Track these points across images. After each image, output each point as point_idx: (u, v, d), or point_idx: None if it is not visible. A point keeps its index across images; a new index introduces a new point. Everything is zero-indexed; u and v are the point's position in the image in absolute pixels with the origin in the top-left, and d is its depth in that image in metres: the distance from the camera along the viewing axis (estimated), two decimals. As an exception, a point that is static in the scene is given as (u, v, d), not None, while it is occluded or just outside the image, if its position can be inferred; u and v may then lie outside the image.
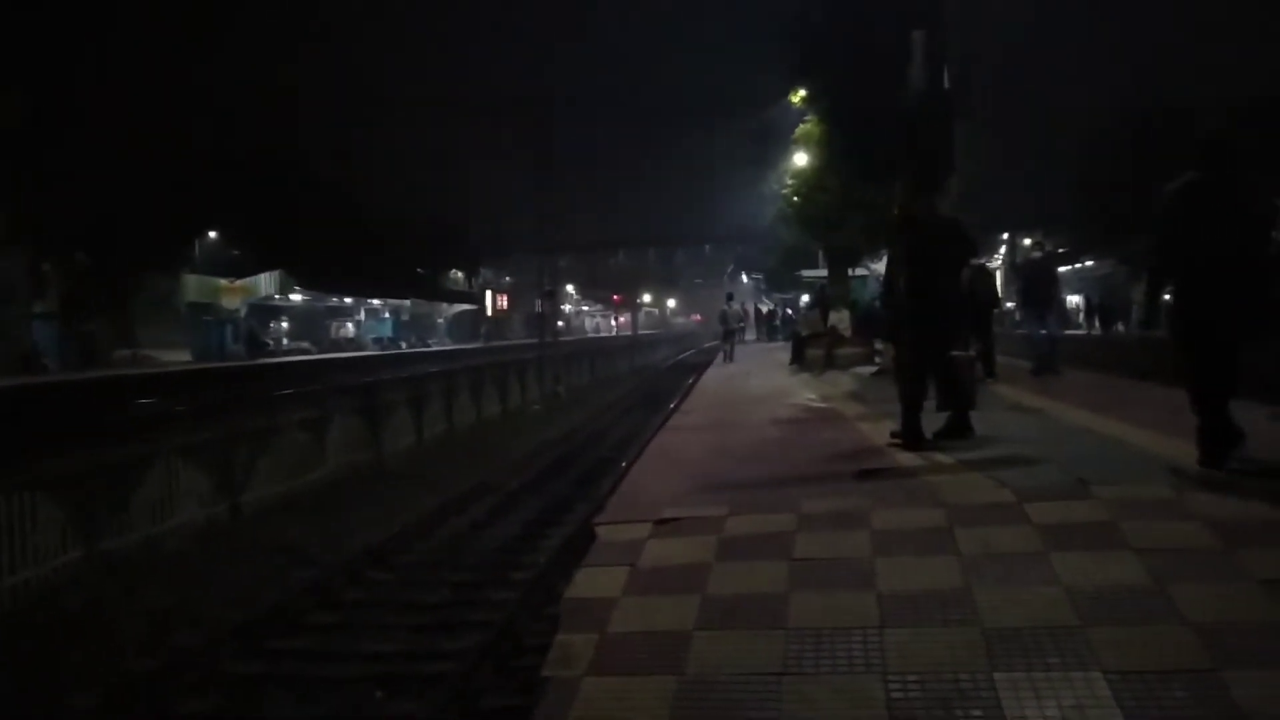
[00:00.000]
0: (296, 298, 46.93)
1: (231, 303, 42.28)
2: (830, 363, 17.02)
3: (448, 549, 11.04)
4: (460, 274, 72.91)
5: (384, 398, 19.27)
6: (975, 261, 13.37)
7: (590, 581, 4.31)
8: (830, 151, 17.54)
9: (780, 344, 29.73)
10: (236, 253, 44.87)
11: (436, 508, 12.75)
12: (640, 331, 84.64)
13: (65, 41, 29.67)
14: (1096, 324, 40.46)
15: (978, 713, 2.97)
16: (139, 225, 33.81)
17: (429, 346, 49.91)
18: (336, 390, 18.09)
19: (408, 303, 57.98)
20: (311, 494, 14.67)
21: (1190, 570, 3.76)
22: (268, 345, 41.35)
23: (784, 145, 21.12)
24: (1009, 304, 27.38)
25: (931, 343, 6.94)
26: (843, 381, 14.09)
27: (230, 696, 6.93)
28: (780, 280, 40.50)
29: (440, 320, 64.79)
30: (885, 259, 7.39)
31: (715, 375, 19.05)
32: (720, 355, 25.34)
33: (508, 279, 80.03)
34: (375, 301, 54.81)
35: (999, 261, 53.22)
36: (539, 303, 38.05)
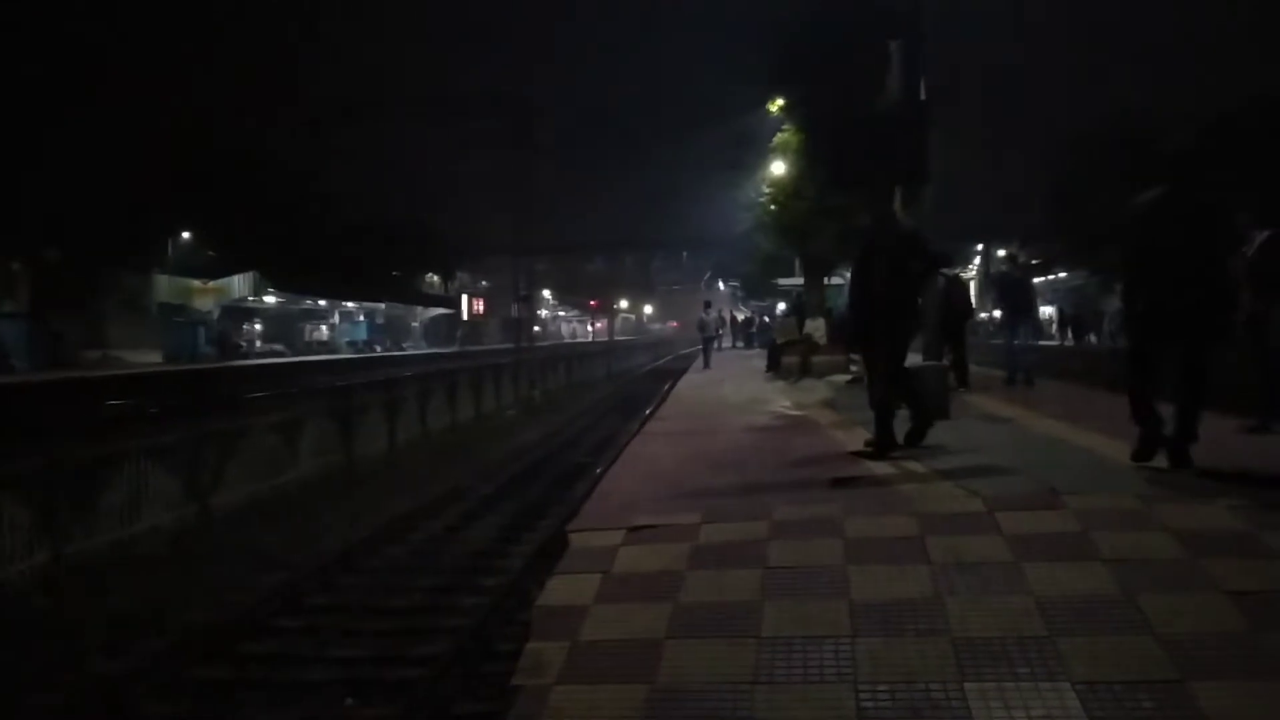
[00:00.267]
0: (270, 300, 46.60)
1: (204, 304, 41.93)
2: (806, 370, 17.09)
3: (420, 554, 10.97)
4: (436, 277, 72.67)
5: (357, 401, 19.14)
6: (949, 271, 13.52)
7: (562, 589, 4.29)
8: (807, 160, 17.67)
9: (757, 351, 29.83)
10: (210, 253, 44.52)
11: (408, 512, 12.65)
12: (617, 337, 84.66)
13: (37, 38, 29.36)
14: (1069, 335, 40.86)
15: (948, 722, 2.98)
16: (111, 224, 33.49)
17: (404, 350, 49.71)
18: (308, 393, 17.95)
19: (383, 306, 57.70)
20: (282, 497, 14.54)
21: (1158, 581, 3.79)
22: (240, 347, 41.04)
23: (762, 153, 21.24)
24: (983, 314, 27.62)
25: (885, 353, 7.03)
26: (818, 389, 14.14)
27: (197, 701, 6.84)
28: (757, 288, 40.66)
29: (415, 324, 64.51)
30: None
31: (691, 382, 19.07)
32: (700, 360, 25.44)
33: (484, 283, 79.88)
34: (350, 304, 54.50)
35: (973, 272, 53.64)
36: (515, 307, 38.12)
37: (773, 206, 20.57)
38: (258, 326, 48.71)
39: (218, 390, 18.37)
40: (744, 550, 4.51)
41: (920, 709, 3.07)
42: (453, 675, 6.81)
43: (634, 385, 37.57)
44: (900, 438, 7.01)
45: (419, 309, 64.94)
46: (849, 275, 7.45)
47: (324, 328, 54.24)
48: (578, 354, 50.83)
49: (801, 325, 19.33)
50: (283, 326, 50.33)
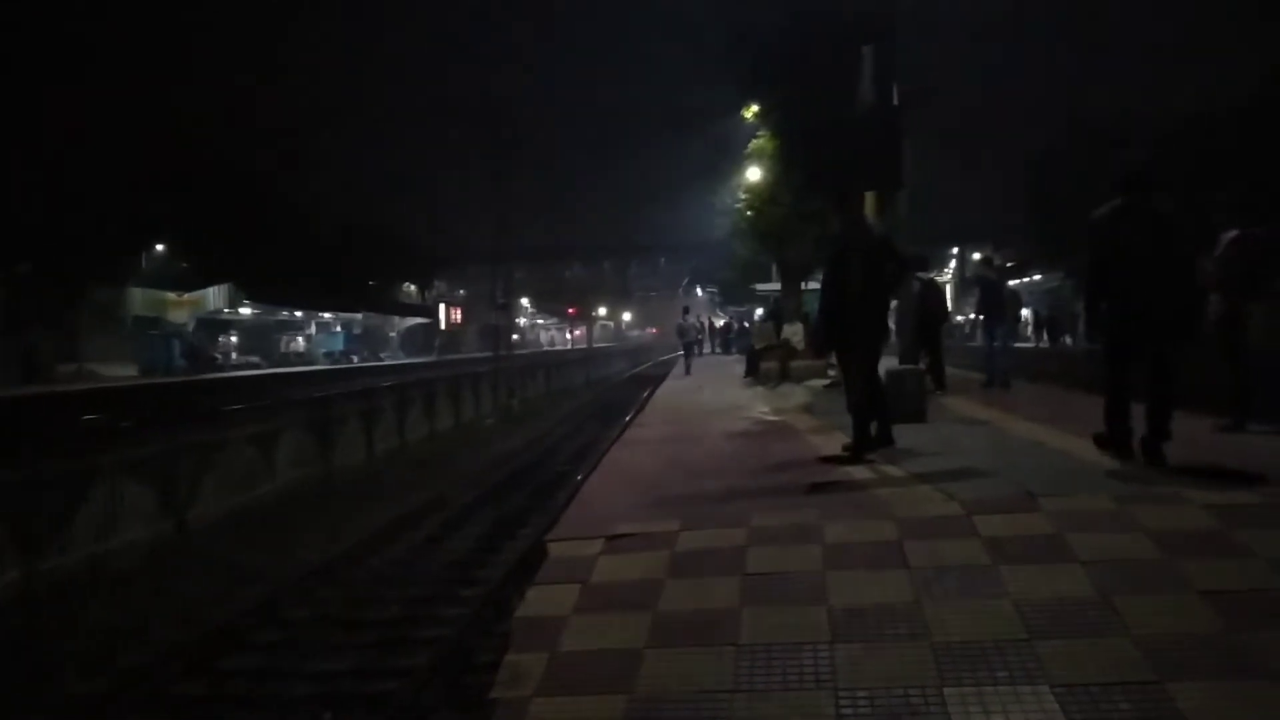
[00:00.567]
0: (246, 311, 46.32)
1: (179, 317, 41.63)
2: (784, 375, 17.12)
3: (399, 565, 10.91)
4: (413, 287, 72.41)
5: (334, 412, 19.04)
6: (924, 275, 13.59)
7: (541, 600, 4.26)
8: (783, 166, 17.72)
9: (735, 356, 29.88)
10: (184, 265, 44.17)
11: (387, 523, 12.59)
12: (596, 344, 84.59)
13: (9, 49, 29.08)
14: (1045, 337, 41.12)
15: (927, 728, 2.98)
16: (84, 236, 33.16)
17: (381, 360, 49.46)
18: (285, 405, 17.83)
19: (360, 316, 57.45)
20: (260, 510, 14.44)
21: (1135, 582, 3.81)
22: (215, 360, 40.72)
23: (738, 159, 21.31)
24: (959, 317, 27.79)
25: (856, 357, 7.11)
26: (796, 394, 14.16)
27: (175, 717, 6.77)
28: (735, 293, 40.78)
29: (393, 334, 64.26)
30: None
31: (671, 388, 19.06)
32: (682, 366, 25.51)
33: (462, 292, 79.67)
34: (326, 315, 54.24)
35: (949, 275, 53.96)
36: (493, 315, 37.95)
37: (749, 212, 20.63)
38: (233, 338, 48.39)
39: (193, 403, 18.21)
40: (723, 558, 4.50)
41: (900, 714, 3.07)
42: (432, 687, 6.77)
43: (613, 392, 37.56)
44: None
45: (396, 319, 64.72)
46: (821, 280, 7.49)
47: (300, 339, 53.94)
48: (556, 362, 50.80)
49: (779, 330, 19.37)
50: (259, 338, 50.01)
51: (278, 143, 51.29)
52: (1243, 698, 2.99)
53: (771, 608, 3.88)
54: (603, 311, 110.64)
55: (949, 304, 19.22)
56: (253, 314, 47.31)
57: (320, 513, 14.13)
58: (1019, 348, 20.15)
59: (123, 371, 33.10)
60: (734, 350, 34.48)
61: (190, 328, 41.37)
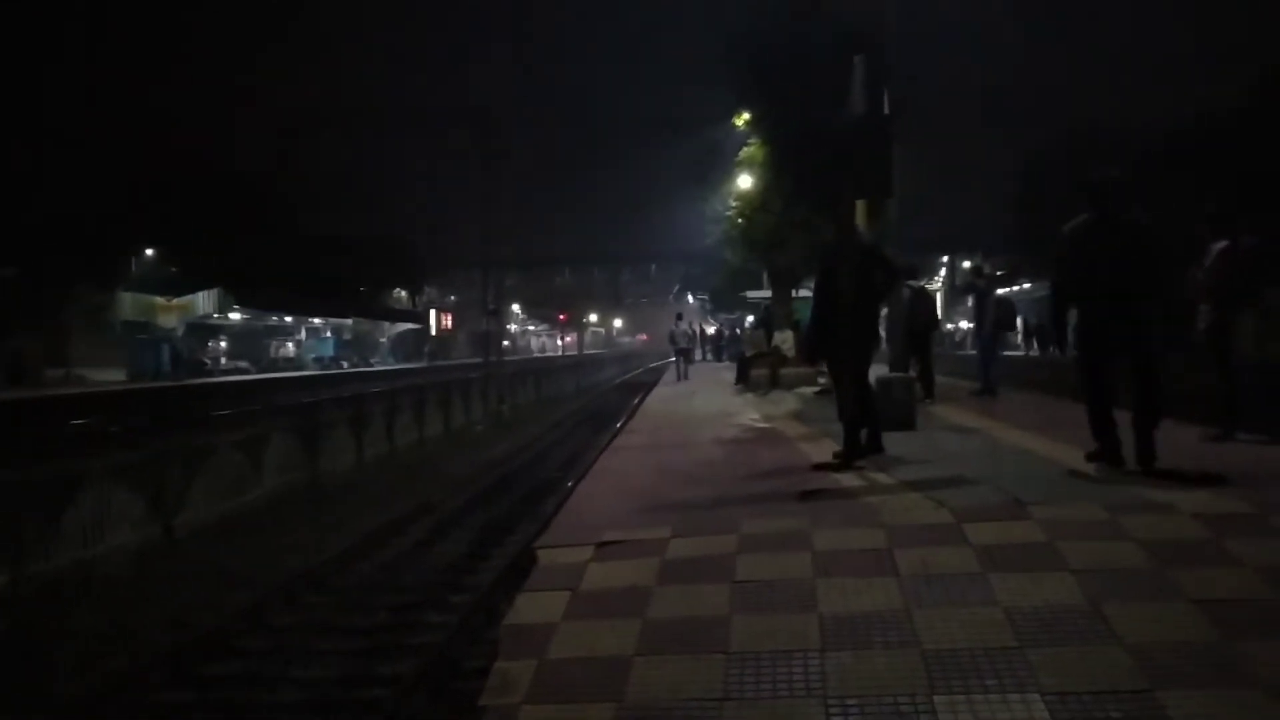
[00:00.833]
0: (236, 316, 46.15)
1: (168, 321, 41.44)
2: (775, 382, 17.13)
3: (387, 571, 10.85)
4: (404, 292, 72.29)
5: (323, 417, 18.96)
6: (914, 283, 13.61)
7: (530, 607, 4.25)
8: (773, 174, 17.74)
9: (726, 364, 29.91)
10: (174, 269, 44.03)
11: (375, 529, 12.54)
12: (586, 351, 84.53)
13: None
14: (1035, 345, 41.23)
15: (917, 736, 2.97)
16: (72, 239, 33.02)
17: (371, 366, 49.34)
18: (273, 410, 17.77)
19: (349, 321, 57.31)
20: (248, 515, 14.36)
21: (1126, 591, 3.81)
22: (205, 365, 40.57)
23: (728, 167, 21.30)
24: (949, 325, 27.84)
25: (847, 365, 7.13)
26: (786, 401, 14.17)
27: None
28: (725, 300, 40.74)
29: (383, 339, 64.11)
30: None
31: (661, 395, 19.06)
32: (674, 373, 25.52)
33: (452, 298, 79.55)
34: (316, 320, 54.07)
35: (939, 283, 54.10)
36: (484, 321, 37.93)
37: (740, 220, 20.62)
38: (223, 343, 48.22)
39: (182, 408, 18.13)
40: (713, 565, 4.49)
41: (890, 723, 3.06)
42: (420, 694, 6.73)
43: (604, 399, 37.53)
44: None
45: (386, 324, 64.56)
46: (813, 288, 7.55)
47: (290, 344, 53.77)
48: (547, 368, 50.69)
49: (770, 338, 19.39)
50: (248, 343, 49.85)
51: (268, 147, 51.22)
52: (1233, 706, 2.99)
53: (761, 615, 3.87)
54: (594, 318, 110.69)
55: (939, 312, 19.25)
56: (242, 319, 47.15)
57: (309, 518, 14.06)
58: (1009, 356, 20.20)
59: (111, 376, 32.96)
60: (725, 357, 34.52)
61: (179, 332, 41.19)
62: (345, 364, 50.24)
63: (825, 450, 7.62)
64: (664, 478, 7.23)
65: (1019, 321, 46.24)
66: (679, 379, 24.05)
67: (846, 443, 7.05)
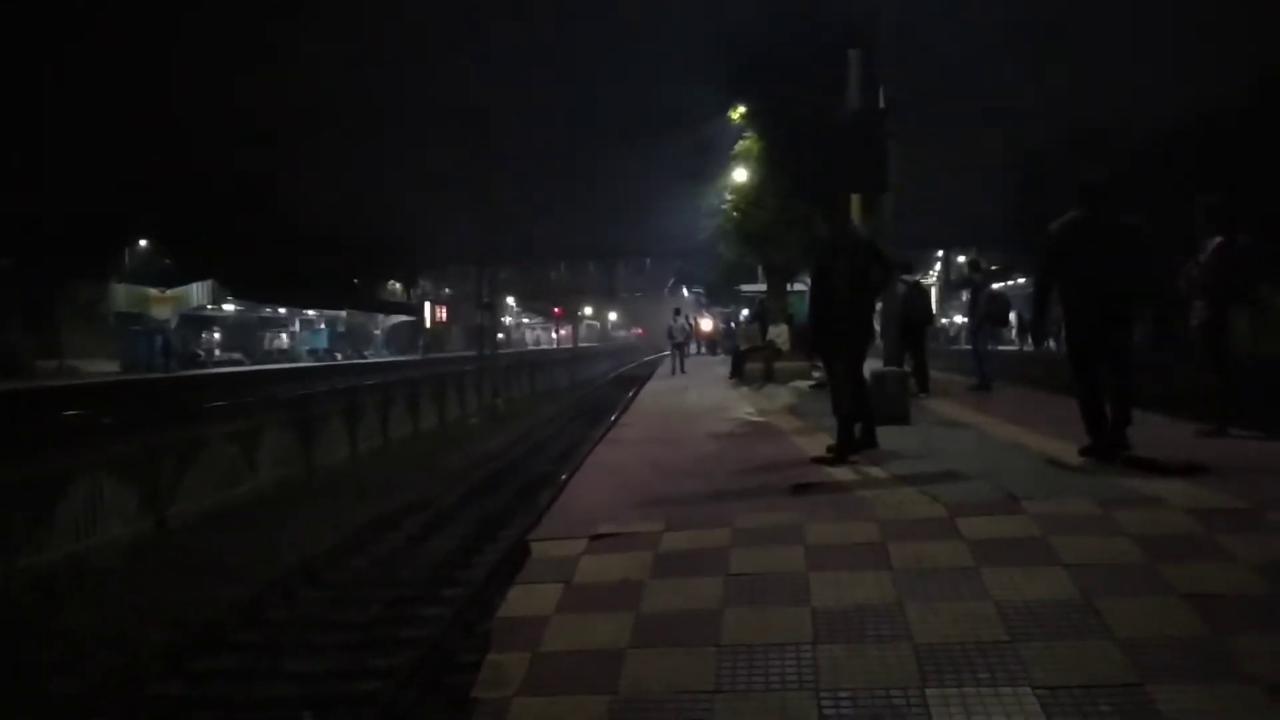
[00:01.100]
0: (229, 308, 46.11)
1: (162, 313, 41.37)
2: (769, 376, 17.14)
3: (381, 564, 10.85)
4: (398, 285, 72.18)
5: (317, 410, 18.93)
6: (910, 278, 13.62)
7: (523, 599, 4.25)
8: (768, 168, 17.74)
9: (720, 358, 29.93)
10: (167, 261, 43.92)
11: (369, 522, 12.52)
12: (581, 344, 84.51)
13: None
14: (1029, 340, 41.25)
15: (909, 729, 2.98)
16: (65, 231, 32.90)
17: (365, 358, 49.28)
18: (267, 402, 17.73)
19: (344, 314, 57.25)
20: (241, 508, 14.33)
21: (1118, 585, 3.82)
22: (199, 356, 40.50)
23: (723, 161, 21.31)
24: (943, 320, 27.88)
25: (841, 359, 7.16)
26: (781, 395, 14.17)
27: (155, 716, 6.71)
28: (720, 295, 40.78)
29: (377, 332, 64.05)
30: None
31: (655, 389, 19.05)
32: (669, 366, 25.54)
33: (447, 290, 79.46)
34: (310, 312, 54.02)
35: (934, 278, 54.14)
36: (479, 314, 37.90)
37: (735, 214, 20.63)
38: (217, 335, 48.17)
39: (175, 400, 18.09)
40: (706, 558, 4.49)
41: (882, 715, 3.07)
42: (413, 688, 6.73)
43: (598, 392, 37.52)
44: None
45: (380, 317, 64.50)
46: (809, 283, 7.56)
47: (284, 336, 53.73)
48: (542, 361, 50.68)
49: (764, 332, 19.40)
50: (242, 335, 49.80)
51: (263, 139, 51.03)
52: (1224, 701, 3.00)
53: (754, 608, 3.87)
54: (588, 311, 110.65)
55: (934, 307, 19.27)
56: (236, 311, 47.12)
57: (302, 511, 14.04)
58: (1003, 351, 20.23)
59: (105, 368, 32.89)
60: (719, 351, 34.54)
61: (173, 324, 41.12)
62: (339, 356, 50.20)
63: (819, 445, 7.63)
64: (658, 471, 7.23)
65: (1013, 316, 46.42)
66: (674, 373, 24.07)
67: (840, 437, 7.06)
